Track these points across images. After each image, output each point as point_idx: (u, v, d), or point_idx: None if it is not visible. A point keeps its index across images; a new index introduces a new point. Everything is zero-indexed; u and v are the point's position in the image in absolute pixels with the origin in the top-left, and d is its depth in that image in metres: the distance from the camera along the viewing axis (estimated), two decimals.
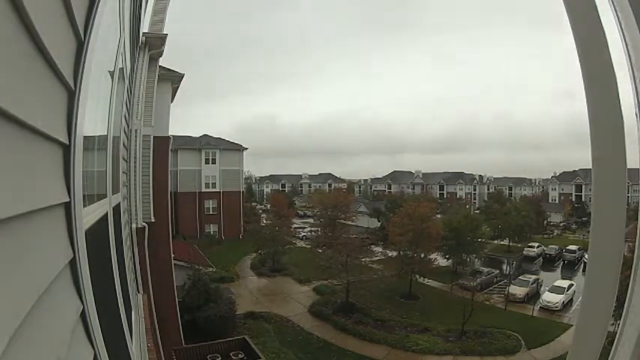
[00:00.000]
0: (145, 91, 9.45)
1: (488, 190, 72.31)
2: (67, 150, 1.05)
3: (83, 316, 1.18)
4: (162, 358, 9.11)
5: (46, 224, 0.89)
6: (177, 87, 13.55)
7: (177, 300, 12.33)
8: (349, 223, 38.27)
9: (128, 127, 5.49)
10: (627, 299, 1.12)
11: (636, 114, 1.13)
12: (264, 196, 76.29)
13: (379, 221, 38.18)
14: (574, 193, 62.17)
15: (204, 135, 40.91)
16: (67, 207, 1.07)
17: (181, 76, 13.23)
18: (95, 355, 1.30)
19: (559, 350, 15.95)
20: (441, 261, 26.84)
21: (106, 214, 2.09)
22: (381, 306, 20.40)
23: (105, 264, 2.01)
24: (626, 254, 1.10)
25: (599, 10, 1.09)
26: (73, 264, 1.10)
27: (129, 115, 5.57)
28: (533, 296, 22.41)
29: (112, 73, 2.23)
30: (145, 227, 9.02)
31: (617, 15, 1.10)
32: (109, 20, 1.70)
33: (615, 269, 1.08)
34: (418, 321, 18.90)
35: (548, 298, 21.33)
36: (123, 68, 3.15)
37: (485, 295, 20.66)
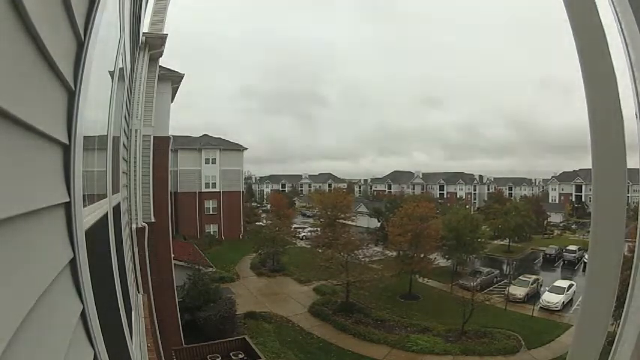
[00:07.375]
0: (145, 91, 9.45)
1: (488, 190, 72.29)
2: (67, 150, 1.05)
3: (83, 316, 1.17)
4: (163, 358, 9.10)
5: (46, 224, 0.89)
6: (178, 87, 13.54)
7: (177, 300, 12.32)
8: (349, 223, 38.29)
9: (128, 127, 5.50)
10: (627, 299, 1.12)
11: (636, 114, 1.13)
12: (264, 196, 76.29)
13: (379, 221, 38.15)
14: (574, 193, 62.24)
15: (204, 135, 40.95)
16: (67, 207, 1.07)
17: (181, 76, 13.22)
18: (95, 355, 1.30)
19: (559, 350, 15.95)
20: (440, 261, 26.82)
21: (106, 214, 2.09)
22: (381, 306, 20.42)
23: (105, 264, 2.01)
24: (626, 254, 1.10)
25: (599, 10, 1.09)
26: (73, 264, 1.10)
27: (129, 115, 5.58)
28: (533, 296, 22.41)
29: (112, 73, 2.23)
30: (145, 227, 9.01)
31: (617, 15, 1.10)
32: (109, 20, 1.70)
33: (615, 269, 1.08)
34: (418, 321, 18.89)
35: (548, 298, 21.35)
36: (123, 68, 3.16)
37: (485, 295, 20.64)
